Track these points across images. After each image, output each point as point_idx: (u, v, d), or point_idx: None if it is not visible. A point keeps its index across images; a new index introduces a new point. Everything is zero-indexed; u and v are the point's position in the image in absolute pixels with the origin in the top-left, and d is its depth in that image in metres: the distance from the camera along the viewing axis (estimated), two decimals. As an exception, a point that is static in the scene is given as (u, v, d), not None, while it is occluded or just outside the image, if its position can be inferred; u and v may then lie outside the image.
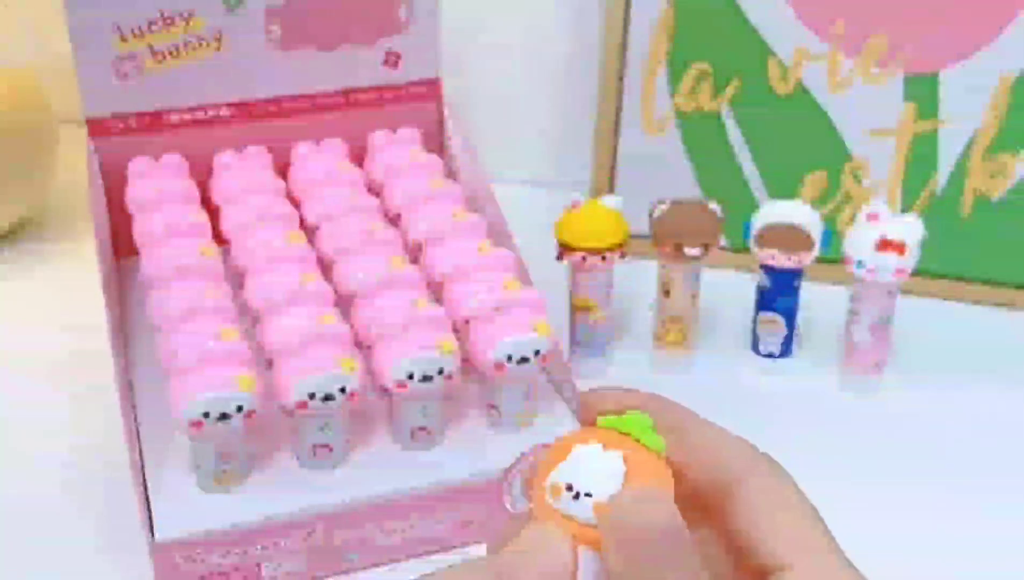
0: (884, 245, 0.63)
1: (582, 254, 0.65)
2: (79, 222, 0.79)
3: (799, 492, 0.32)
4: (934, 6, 0.73)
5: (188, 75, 0.69)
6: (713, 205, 0.66)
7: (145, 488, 0.54)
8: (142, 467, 0.56)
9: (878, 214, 0.64)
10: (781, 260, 0.66)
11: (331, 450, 0.56)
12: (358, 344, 0.57)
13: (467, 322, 0.58)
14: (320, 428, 0.55)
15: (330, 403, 0.54)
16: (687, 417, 0.33)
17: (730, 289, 0.73)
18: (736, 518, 0.31)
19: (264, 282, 0.59)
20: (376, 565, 0.56)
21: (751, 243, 0.66)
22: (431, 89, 0.74)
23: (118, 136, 0.69)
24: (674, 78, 0.77)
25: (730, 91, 0.77)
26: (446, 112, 0.74)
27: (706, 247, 0.66)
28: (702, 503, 0.32)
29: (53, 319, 0.73)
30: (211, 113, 0.70)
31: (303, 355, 0.54)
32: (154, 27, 0.68)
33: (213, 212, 0.66)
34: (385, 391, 0.57)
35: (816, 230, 0.65)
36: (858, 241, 0.64)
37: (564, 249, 0.66)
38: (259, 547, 0.53)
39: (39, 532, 0.58)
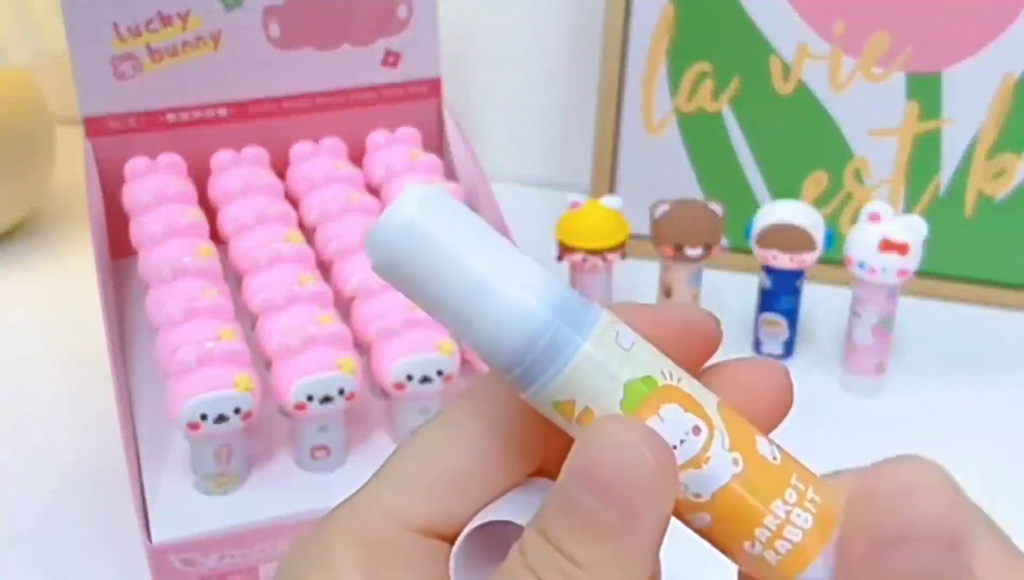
0: (886, 246, 0.63)
1: (582, 254, 0.65)
2: (76, 222, 0.78)
3: None
4: (936, 5, 0.72)
5: (186, 75, 0.69)
6: (714, 205, 0.66)
7: (142, 490, 0.54)
8: (139, 469, 0.55)
9: (880, 214, 0.64)
10: (783, 261, 0.66)
11: (330, 452, 0.56)
12: (357, 345, 0.56)
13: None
14: (319, 430, 0.55)
15: (329, 405, 0.53)
16: None
17: (731, 290, 0.73)
18: None
19: (262, 283, 0.58)
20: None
21: (752, 244, 0.66)
22: (431, 89, 0.74)
23: (115, 136, 0.69)
24: (675, 78, 0.77)
25: (731, 91, 0.76)
26: (446, 112, 0.74)
27: (707, 248, 0.66)
28: None
29: (50, 320, 0.72)
30: (209, 113, 0.70)
31: (302, 356, 0.54)
32: (152, 26, 0.67)
33: (211, 212, 0.66)
34: (384, 392, 0.57)
35: (818, 231, 0.65)
36: (860, 242, 0.64)
37: (564, 249, 0.66)
38: (257, 550, 0.53)
39: (35, 533, 0.58)
